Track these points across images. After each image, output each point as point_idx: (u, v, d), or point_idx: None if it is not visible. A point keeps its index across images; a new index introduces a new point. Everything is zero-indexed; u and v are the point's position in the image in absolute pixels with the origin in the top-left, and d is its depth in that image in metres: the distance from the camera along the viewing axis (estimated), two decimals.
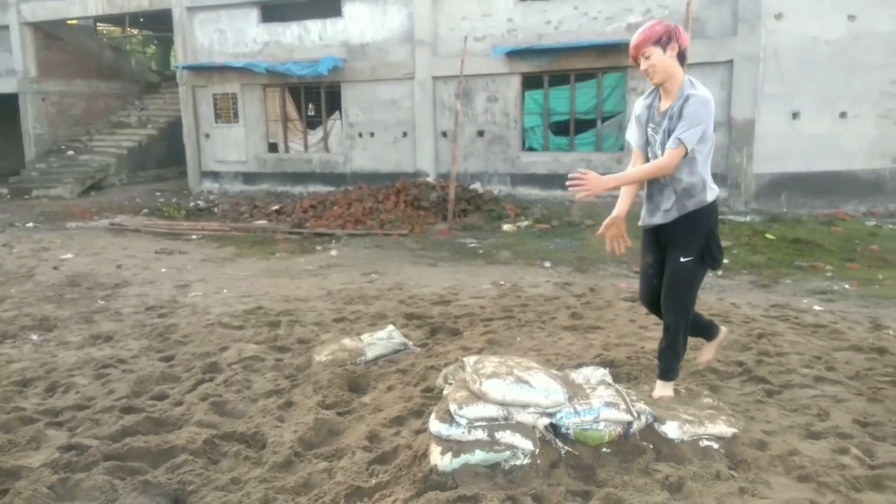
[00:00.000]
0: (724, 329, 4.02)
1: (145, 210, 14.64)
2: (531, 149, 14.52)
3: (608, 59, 13.27)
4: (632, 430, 3.14)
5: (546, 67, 13.78)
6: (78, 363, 5.05)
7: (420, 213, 12.40)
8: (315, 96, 16.13)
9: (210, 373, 4.71)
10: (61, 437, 3.79)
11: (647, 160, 3.51)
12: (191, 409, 4.05)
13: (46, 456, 3.54)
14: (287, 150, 16.60)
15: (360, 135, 15.56)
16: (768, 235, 10.21)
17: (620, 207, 3.65)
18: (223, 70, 16.20)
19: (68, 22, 20.22)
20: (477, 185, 14.05)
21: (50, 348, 5.50)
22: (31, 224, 13.13)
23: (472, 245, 10.34)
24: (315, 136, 16.39)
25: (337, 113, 15.92)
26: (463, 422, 2.99)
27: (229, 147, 16.74)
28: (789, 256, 8.91)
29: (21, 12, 18.68)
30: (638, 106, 3.57)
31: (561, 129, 14.28)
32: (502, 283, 7.65)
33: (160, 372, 4.75)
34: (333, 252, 9.90)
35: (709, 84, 12.57)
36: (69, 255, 9.80)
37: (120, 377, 4.69)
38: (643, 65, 3.34)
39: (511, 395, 3.03)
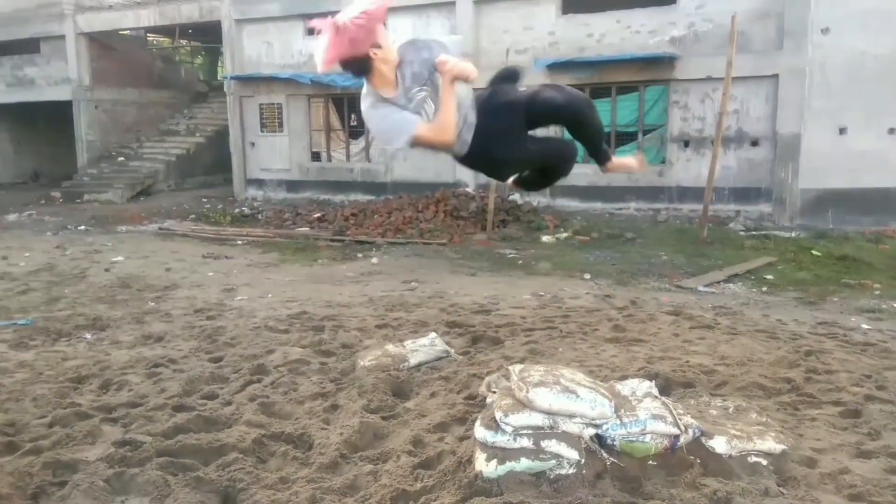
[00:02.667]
0: None
1: (192, 215, 15.00)
2: None
3: (650, 72, 13.22)
4: (679, 444, 3.13)
5: (587, 80, 13.77)
6: (130, 362, 5.20)
7: (459, 224, 12.46)
8: (358, 107, 16.32)
9: (258, 374, 4.82)
10: (116, 433, 3.92)
11: None
12: (240, 409, 4.16)
13: (102, 451, 3.66)
14: (330, 159, 16.85)
15: None
16: (814, 252, 10.02)
17: None
18: (269, 81, 16.54)
19: (121, 32, 20.87)
20: (516, 196, 14.06)
21: (103, 347, 5.68)
22: (83, 227, 13.54)
23: (512, 255, 10.36)
24: (357, 145, 16.62)
25: None
26: (508, 429, 3.02)
27: (274, 156, 17.07)
28: (836, 274, 8.73)
29: (77, 23, 19.35)
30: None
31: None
32: (542, 293, 7.65)
33: (210, 372, 4.87)
34: (374, 260, 10.01)
35: (753, 98, 12.52)
36: (120, 258, 10.09)
37: (171, 376, 4.83)
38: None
39: (557, 405, 3.05)
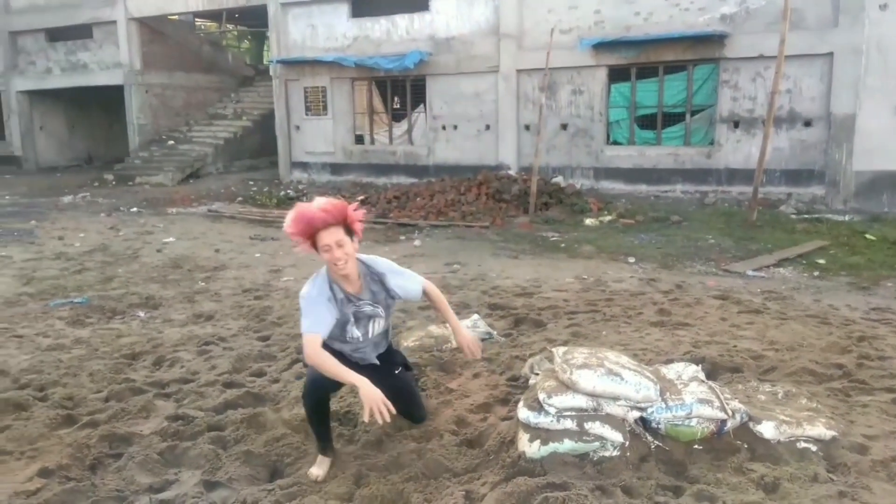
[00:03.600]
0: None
1: (240, 198, 15.26)
2: (616, 142, 14.29)
3: (699, 50, 12.91)
4: (726, 429, 3.09)
5: (634, 59, 13.52)
6: (182, 339, 5.36)
7: (501, 206, 12.42)
8: (401, 89, 16.38)
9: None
10: (169, 408, 4.06)
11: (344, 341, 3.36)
12: (287, 387, 4.26)
13: (156, 424, 3.80)
14: (373, 141, 16.94)
15: (444, 127, 15.71)
16: (868, 236, 9.71)
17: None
18: (314, 64, 16.65)
19: (170, 17, 21.23)
20: (559, 179, 13.93)
21: (156, 325, 5.86)
22: (135, 209, 13.90)
23: (554, 239, 10.29)
24: (400, 128, 16.66)
25: (421, 106, 16.11)
26: (552, 411, 3.03)
27: (318, 139, 17.23)
28: (890, 258, 8.45)
29: (128, 8, 19.74)
30: (322, 298, 3.19)
31: (648, 122, 13.99)
32: (585, 277, 7.60)
33: (258, 350, 4.99)
34: (417, 242, 10.06)
35: (807, 77, 12.14)
36: (171, 239, 10.34)
37: (221, 354, 4.96)
38: (336, 252, 3.03)
39: (601, 387, 3.04)
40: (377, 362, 3.49)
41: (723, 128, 13.10)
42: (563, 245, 9.81)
